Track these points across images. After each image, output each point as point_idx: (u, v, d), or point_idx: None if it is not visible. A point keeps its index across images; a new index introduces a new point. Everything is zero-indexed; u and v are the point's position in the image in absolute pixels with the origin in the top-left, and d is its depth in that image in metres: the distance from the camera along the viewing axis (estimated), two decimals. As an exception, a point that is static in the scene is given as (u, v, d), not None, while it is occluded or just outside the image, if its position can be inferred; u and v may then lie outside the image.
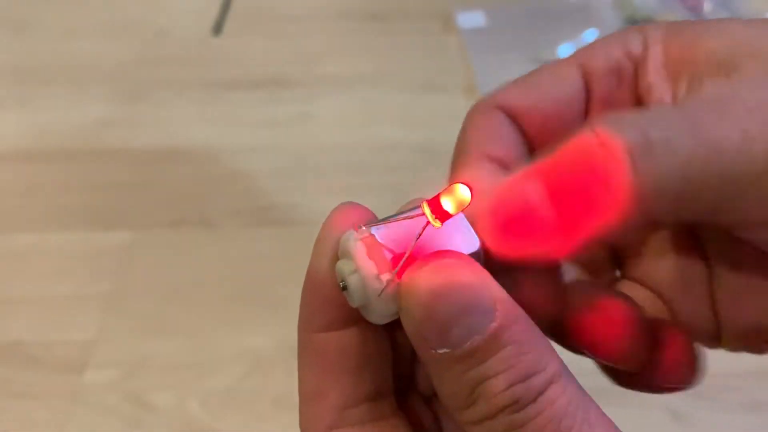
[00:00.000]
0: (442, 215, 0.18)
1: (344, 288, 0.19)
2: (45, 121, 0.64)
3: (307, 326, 0.20)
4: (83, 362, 0.47)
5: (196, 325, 0.49)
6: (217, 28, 0.73)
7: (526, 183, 0.18)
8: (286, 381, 0.46)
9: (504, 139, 0.23)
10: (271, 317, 0.49)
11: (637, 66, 0.23)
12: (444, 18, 0.74)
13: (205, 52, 0.71)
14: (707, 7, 0.70)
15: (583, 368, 0.39)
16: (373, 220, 0.20)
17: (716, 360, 0.48)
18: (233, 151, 0.61)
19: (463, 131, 0.24)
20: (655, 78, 0.22)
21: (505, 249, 0.19)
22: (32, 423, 0.45)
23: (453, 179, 0.22)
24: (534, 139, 0.23)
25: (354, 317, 0.20)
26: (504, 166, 0.22)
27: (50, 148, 0.62)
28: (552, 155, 0.18)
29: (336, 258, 0.19)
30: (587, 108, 0.23)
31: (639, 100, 0.23)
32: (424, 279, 0.17)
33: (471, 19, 0.72)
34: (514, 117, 0.23)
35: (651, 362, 0.23)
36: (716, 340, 0.25)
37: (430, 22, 0.74)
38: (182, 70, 0.69)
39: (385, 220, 0.19)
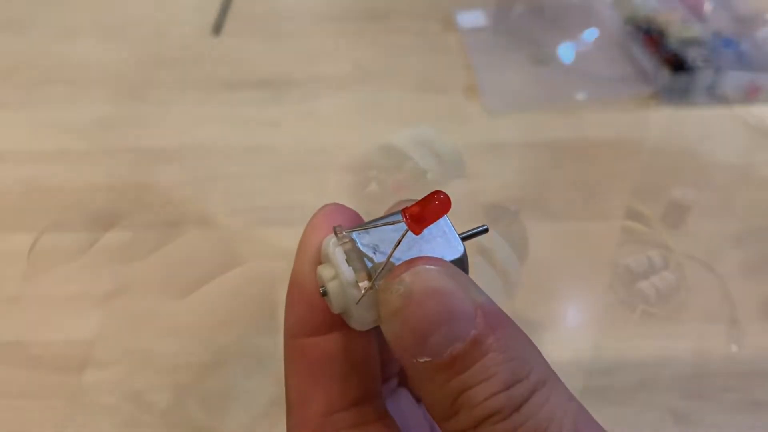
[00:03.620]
0: (420, 223, 0.17)
1: (324, 294, 0.19)
2: (45, 121, 0.64)
3: (291, 331, 0.20)
4: (83, 362, 0.47)
5: (196, 324, 0.49)
6: (217, 28, 0.73)
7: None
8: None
9: None
10: (271, 317, 0.49)
11: None
12: (444, 18, 0.74)
13: (205, 52, 0.71)
14: (707, 6, 0.70)
15: (583, 368, 0.39)
16: (357, 224, 0.19)
17: (716, 360, 0.48)
18: (233, 151, 0.61)
19: None
20: None
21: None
22: (32, 423, 0.45)
23: None
24: None
25: (338, 321, 0.20)
26: None
27: (50, 148, 0.61)
28: None
29: (318, 262, 0.19)
30: None
31: None
32: (401, 287, 0.17)
33: (471, 19, 0.72)
34: None
35: None
36: None
37: (430, 22, 0.74)
38: (182, 70, 0.69)
39: (368, 224, 0.19)
